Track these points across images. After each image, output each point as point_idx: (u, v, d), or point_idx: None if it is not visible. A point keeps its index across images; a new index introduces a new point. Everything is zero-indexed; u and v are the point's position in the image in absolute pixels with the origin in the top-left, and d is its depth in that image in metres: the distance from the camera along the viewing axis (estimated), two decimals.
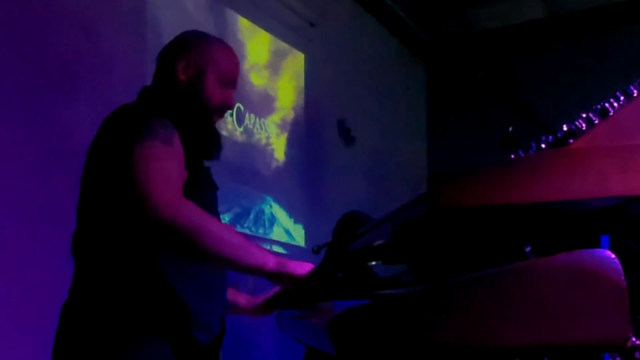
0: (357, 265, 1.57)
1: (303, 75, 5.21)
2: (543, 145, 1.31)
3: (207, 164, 1.95)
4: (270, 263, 1.67)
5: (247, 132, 4.58)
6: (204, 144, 1.90)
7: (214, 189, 1.96)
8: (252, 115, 4.61)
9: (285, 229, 4.88)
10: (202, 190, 1.83)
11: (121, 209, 1.66)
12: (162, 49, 2.01)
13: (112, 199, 1.69)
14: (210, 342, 1.83)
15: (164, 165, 1.67)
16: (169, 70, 1.93)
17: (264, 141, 4.76)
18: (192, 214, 1.62)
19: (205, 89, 1.92)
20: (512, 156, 1.37)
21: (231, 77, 1.98)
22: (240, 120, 4.48)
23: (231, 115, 4.38)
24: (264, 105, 4.77)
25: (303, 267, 1.69)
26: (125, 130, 1.72)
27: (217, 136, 1.96)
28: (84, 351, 1.70)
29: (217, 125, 1.99)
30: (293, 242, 4.91)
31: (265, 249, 1.73)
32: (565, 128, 1.29)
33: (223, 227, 1.69)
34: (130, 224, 1.64)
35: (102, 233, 1.75)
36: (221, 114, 1.99)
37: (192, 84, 1.91)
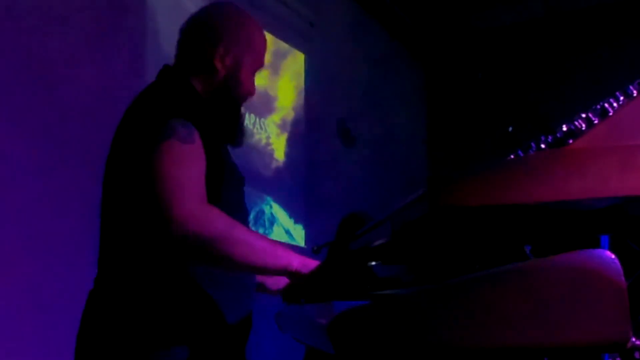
0: (357, 265, 1.56)
1: (303, 75, 5.21)
2: (543, 146, 1.31)
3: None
4: (295, 263, 1.65)
5: (247, 132, 4.57)
6: (230, 133, 1.86)
7: (241, 181, 1.91)
8: (252, 115, 4.61)
9: (285, 229, 4.88)
10: (228, 185, 1.78)
11: (145, 219, 1.61)
12: (190, 21, 1.88)
13: (136, 206, 1.64)
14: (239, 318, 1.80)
15: (184, 168, 1.61)
16: (204, 55, 1.82)
17: (264, 141, 4.76)
18: (216, 223, 1.57)
19: (241, 82, 1.85)
20: (512, 156, 1.37)
21: (261, 65, 1.91)
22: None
23: None
24: (264, 105, 4.77)
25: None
26: (144, 133, 1.65)
27: (242, 124, 1.93)
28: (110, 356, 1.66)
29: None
30: (293, 242, 4.91)
31: (290, 250, 1.68)
32: (564, 128, 1.29)
33: (248, 232, 1.64)
34: (154, 235, 1.59)
35: (128, 236, 1.70)
36: (245, 101, 1.93)
37: (229, 76, 1.83)
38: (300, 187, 5.04)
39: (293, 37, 5.09)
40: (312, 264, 1.67)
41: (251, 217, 4.51)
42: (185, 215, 1.54)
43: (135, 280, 1.69)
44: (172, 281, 1.69)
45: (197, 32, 1.85)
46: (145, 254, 1.68)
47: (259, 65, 1.90)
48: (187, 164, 1.62)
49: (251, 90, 1.90)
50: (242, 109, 1.95)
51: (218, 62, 1.81)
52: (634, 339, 1.12)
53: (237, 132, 1.89)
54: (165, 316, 1.67)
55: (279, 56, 4.99)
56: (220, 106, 1.83)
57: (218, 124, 1.79)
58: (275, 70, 4.96)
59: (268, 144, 4.81)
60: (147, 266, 1.69)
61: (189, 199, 1.57)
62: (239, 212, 1.82)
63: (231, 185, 1.80)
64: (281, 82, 5.02)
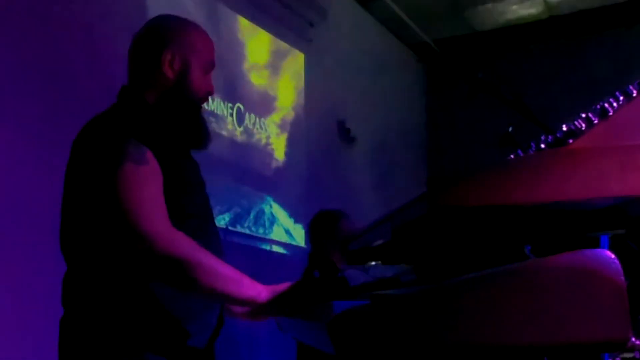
0: (329, 277, 1.57)
1: (303, 75, 5.21)
2: (543, 146, 1.31)
3: (196, 158, 1.92)
4: (263, 295, 1.65)
5: (247, 132, 4.58)
6: (195, 137, 1.87)
7: (202, 186, 1.92)
8: (252, 115, 4.61)
9: (285, 229, 4.88)
10: (189, 194, 1.80)
11: (110, 240, 1.63)
12: (135, 40, 1.91)
13: (98, 227, 1.66)
14: (207, 340, 1.81)
15: (145, 190, 1.64)
16: (153, 65, 1.85)
17: (264, 141, 4.76)
18: (184, 247, 1.60)
19: (192, 82, 1.86)
20: (512, 156, 1.37)
21: (211, 62, 1.92)
22: (240, 120, 4.48)
23: (231, 115, 4.38)
24: (264, 105, 4.77)
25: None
26: (97, 158, 1.68)
27: (206, 127, 1.92)
28: None
29: (213, 124, 1.96)
30: (293, 242, 4.91)
31: (256, 282, 1.69)
32: (564, 128, 1.29)
33: (215, 260, 1.65)
34: (120, 253, 1.62)
35: (90, 258, 1.72)
36: (205, 101, 1.95)
37: (180, 79, 1.85)
38: (300, 187, 5.04)
39: (293, 37, 5.08)
40: (281, 289, 1.66)
41: (251, 217, 4.51)
42: (152, 238, 1.58)
43: (101, 294, 1.70)
44: (135, 293, 1.69)
45: (143, 46, 1.89)
46: (110, 272, 1.69)
47: (209, 65, 1.91)
48: (145, 186, 1.65)
49: (209, 89, 1.91)
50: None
51: (167, 68, 1.84)
52: (633, 339, 1.12)
53: (199, 135, 1.89)
54: (133, 326, 1.68)
55: (279, 56, 4.99)
56: (176, 112, 1.84)
57: (176, 132, 1.81)
58: (275, 70, 4.96)
59: (268, 144, 4.81)
60: (112, 281, 1.69)
61: (155, 222, 1.61)
62: (205, 217, 1.85)
63: (193, 193, 1.83)
64: (281, 82, 5.02)
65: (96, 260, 1.71)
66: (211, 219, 1.92)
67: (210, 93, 1.93)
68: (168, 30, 1.89)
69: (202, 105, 1.94)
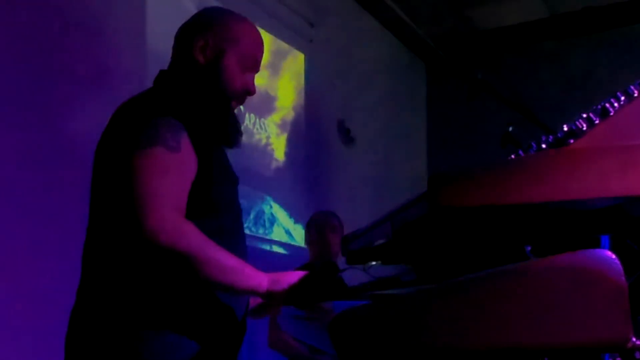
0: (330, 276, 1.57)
1: (303, 75, 5.21)
2: (543, 145, 1.31)
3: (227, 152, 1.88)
4: (264, 283, 1.65)
5: (247, 132, 4.57)
6: (222, 132, 1.80)
7: (235, 181, 1.89)
8: (252, 115, 4.61)
9: (285, 229, 4.87)
10: (219, 185, 1.76)
11: (123, 222, 1.61)
12: (180, 26, 1.87)
13: (116, 208, 1.63)
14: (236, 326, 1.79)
15: (166, 179, 1.60)
16: (186, 51, 1.81)
17: (264, 141, 4.76)
18: (188, 240, 1.58)
19: (225, 72, 1.79)
20: (512, 156, 1.37)
21: (254, 60, 1.85)
22: (240, 121, 4.47)
23: None
24: (264, 105, 4.77)
25: (294, 277, 1.67)
26: (129, 134, 1.63)
27: (236, 123, 1.86)
28: (99, 352, 1.66)
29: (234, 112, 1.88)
30: (293, 242, 4.91)
31: (257, 270, 1.68)
32: (565, 128, 1.29)
33: (219, 251, 1.62)
34: (132, 238, 1.60)
35: (114, 235, 1.69)
36: (241, 100, 1.88)
37: (211, 66, 1.79)
38: (300, 187, 5.03)
39: (293, 37, 5.08)
40: (283, 279, 1.66)
41: (251, 217, 4.51)
42: (158, 228, 1.55)
43: (123, 272, 1.68)
44: (160, 274, 1.67)
45: (183, 31, 1.86)
46: (131, 250, 1.66)
47: (251, 64, 1.85)
48: (169, 175, 1.62)
49: (246, 87, 1.85)
50: (241, 109, 1.90)
51: (198, 53, 1.79)
52: (634, 339, 1.12)
53: (228, 131, 1.83)
54: (154, 301, 1.66)
55: (279, 56, 4.99)
56: (208, 102, 1.78)
57: (208, 122, 1.76)
58: (275, 70, 4.95)
59: (268, 144, 4.81)
60: (134, 261, 1.67)
61: (165, 212, 1.58)
62: (231, 212, 1.82)
63: (222, 186, 1.79)
64: (281, 82, 5.02)
65: (117, 246, 1.68)
66: (240, 214, 1.90)
67: (249, 92, 1.86)
68: (209, 18, 1.85)
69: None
